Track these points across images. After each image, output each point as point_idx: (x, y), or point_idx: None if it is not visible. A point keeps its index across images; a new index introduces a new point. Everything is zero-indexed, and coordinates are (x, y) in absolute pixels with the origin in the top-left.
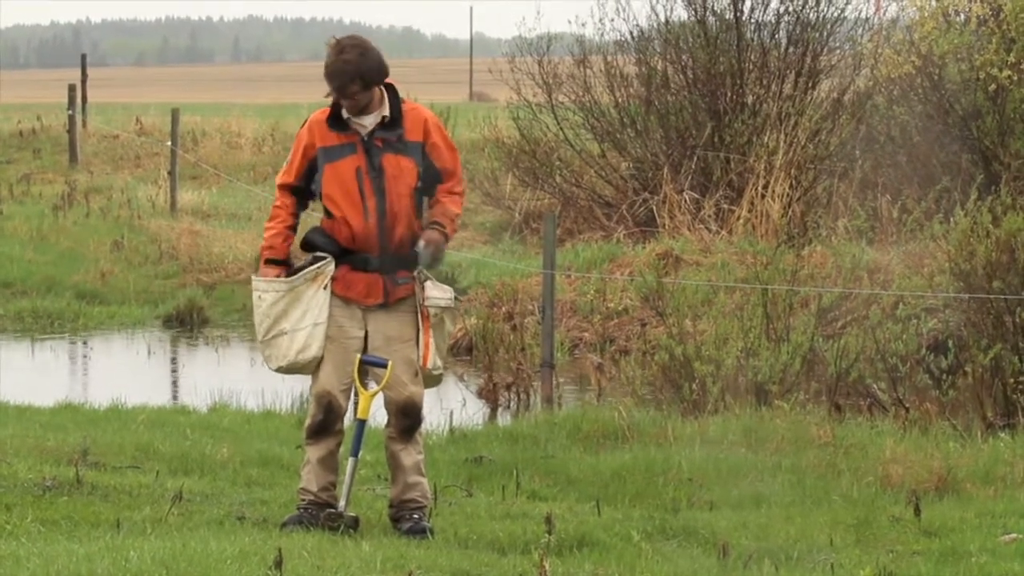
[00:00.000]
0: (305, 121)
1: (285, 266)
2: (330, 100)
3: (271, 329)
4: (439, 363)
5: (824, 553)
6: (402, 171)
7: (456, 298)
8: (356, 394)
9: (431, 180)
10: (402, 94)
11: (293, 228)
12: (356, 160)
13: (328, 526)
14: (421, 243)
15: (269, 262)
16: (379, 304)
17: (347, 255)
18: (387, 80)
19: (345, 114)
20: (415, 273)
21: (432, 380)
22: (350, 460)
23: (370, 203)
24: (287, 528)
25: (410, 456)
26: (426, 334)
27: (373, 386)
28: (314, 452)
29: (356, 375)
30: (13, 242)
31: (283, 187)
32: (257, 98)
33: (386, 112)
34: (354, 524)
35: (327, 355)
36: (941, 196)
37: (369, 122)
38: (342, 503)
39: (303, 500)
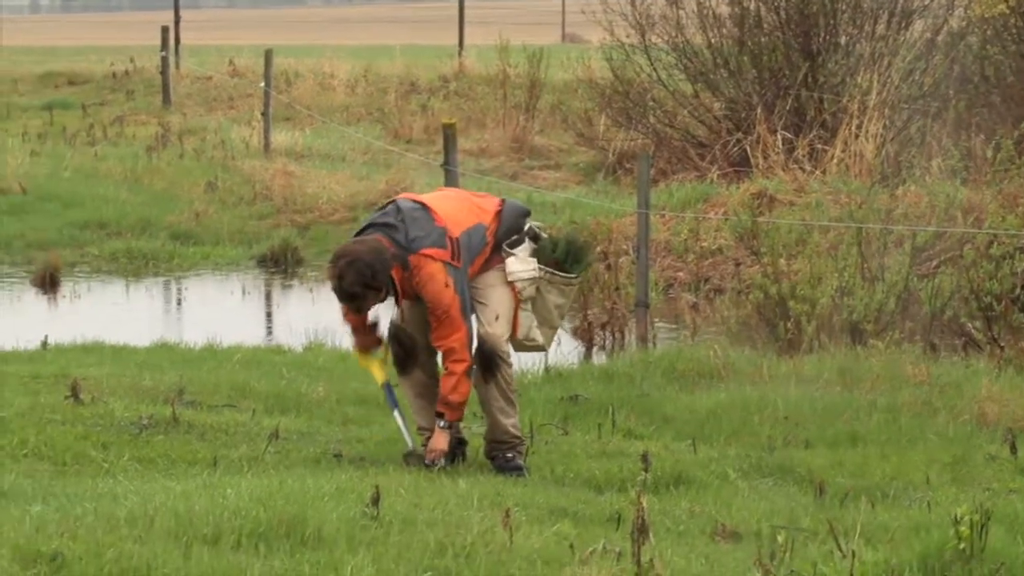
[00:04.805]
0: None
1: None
2: None
3: None
4: (534, 335)
5: (920, 491)
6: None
7: (553, 273)
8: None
9: None
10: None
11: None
12: None
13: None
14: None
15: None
16: None
17: None
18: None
19: None
20: (504, 246)
21: (527, 346)
22: (394, 412)
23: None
24: (410, 463)
25: (489, 397)
26: (515, 305)
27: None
28: (408, 389)
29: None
30: (107, 183)
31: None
32: (349, 40)
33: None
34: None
35: None
36: None
37: None
38: (407, 440)
39: (422, 435)
